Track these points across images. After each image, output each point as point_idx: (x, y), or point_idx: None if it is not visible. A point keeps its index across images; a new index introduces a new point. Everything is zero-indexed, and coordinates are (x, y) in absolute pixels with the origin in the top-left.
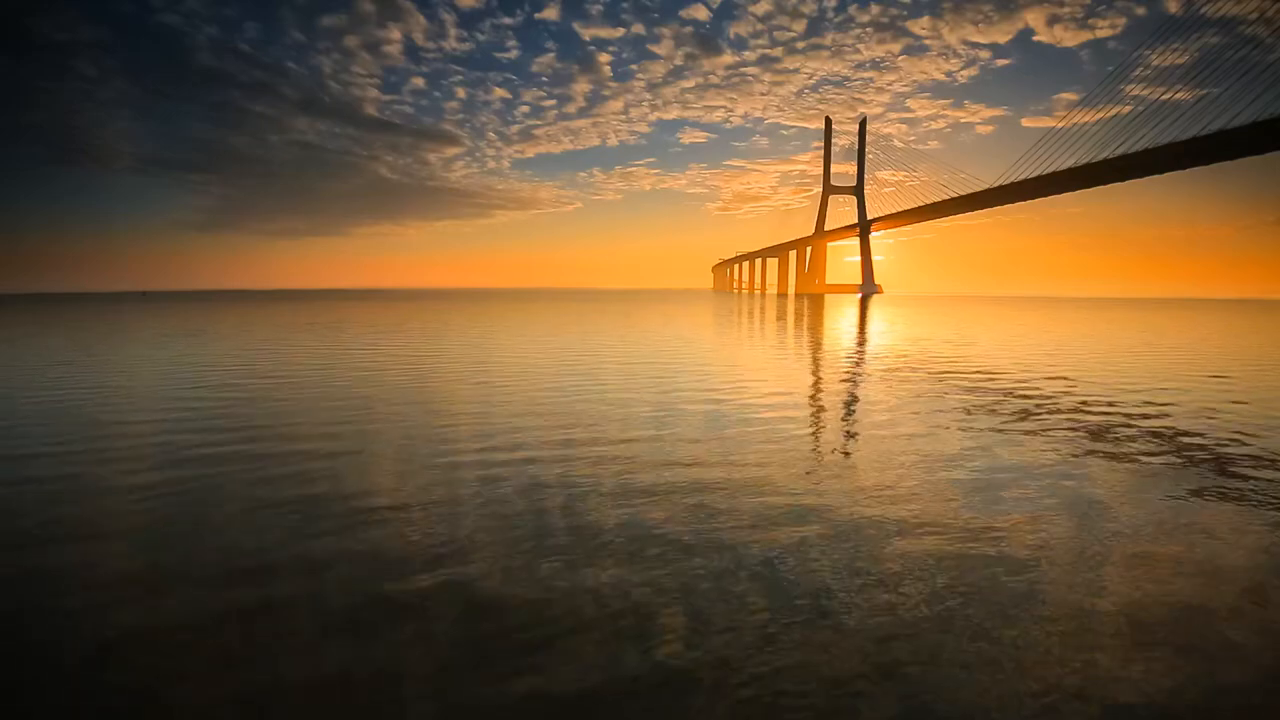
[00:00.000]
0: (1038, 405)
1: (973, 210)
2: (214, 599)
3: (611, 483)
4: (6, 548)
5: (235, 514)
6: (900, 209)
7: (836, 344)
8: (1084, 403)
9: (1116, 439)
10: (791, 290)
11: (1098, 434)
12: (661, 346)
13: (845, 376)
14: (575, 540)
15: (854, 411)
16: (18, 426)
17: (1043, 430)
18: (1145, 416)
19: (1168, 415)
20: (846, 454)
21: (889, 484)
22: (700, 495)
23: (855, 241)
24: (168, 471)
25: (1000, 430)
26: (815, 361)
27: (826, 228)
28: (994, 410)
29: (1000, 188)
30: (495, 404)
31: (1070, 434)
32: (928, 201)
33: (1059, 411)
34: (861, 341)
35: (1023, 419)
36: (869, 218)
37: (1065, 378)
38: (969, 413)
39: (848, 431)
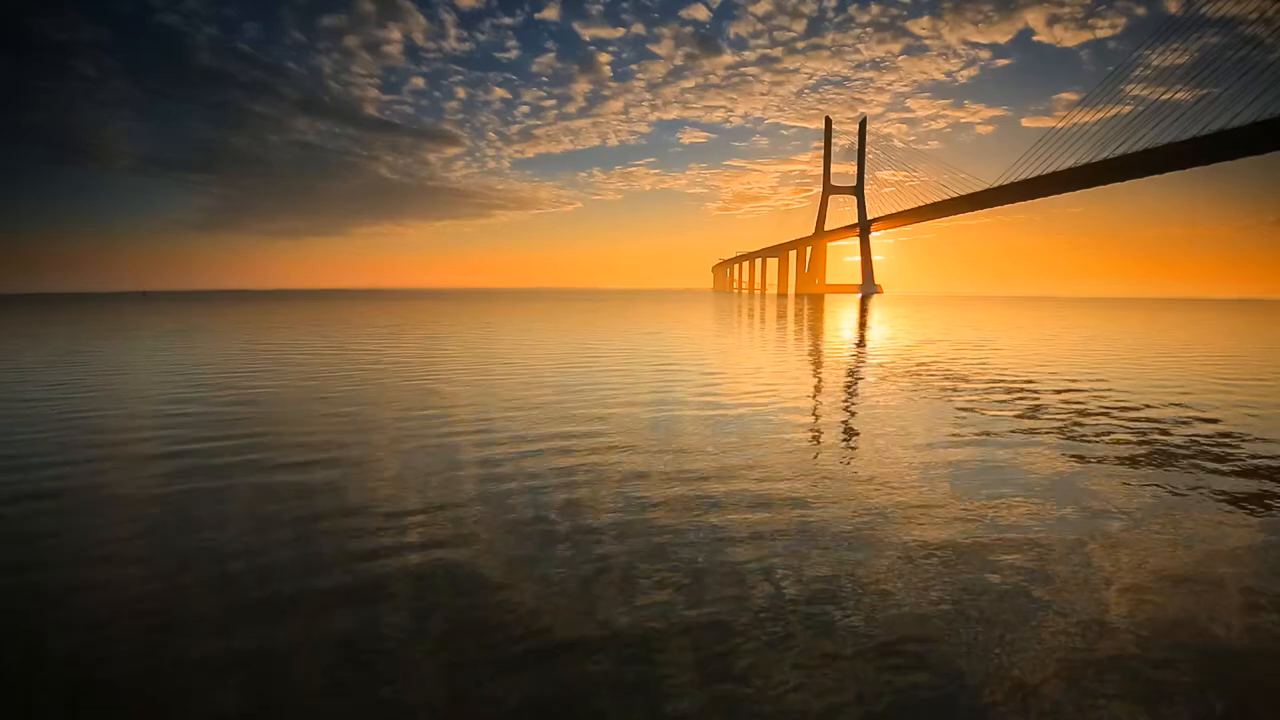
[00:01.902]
0: (1082, 418)
1: (973, 210)
2: (212, 609)
3: (627, 491)
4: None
5: (236, 527)
6: (900, 209)
7: (847, 348)
8: (1133, 414)
9: (1195, 462)
10: (791, 290)
11: (1169, 454)
12: (666, 348)
13: (864, 384)
14: (578, 550)
15: (881, 426)
16: (14, 428)
17: (1101, 454)
18: (1226, 438)
19: (1229, 431)
20: (881, 476)
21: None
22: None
23: (855, 241)
24: (168, 474)
25: (1049, 445)
26: (829, 367)
27: (826, 228)
28: (1037, 423)
29: (1000, 188)
30: (505, 407)
31: (1133, 453)
32: (928, 201)
33: (1113, 427)
34: (874, 346)
35: (1071, 434)
36: (869, 218)
37: (1102, 384)
38: (1010, 427)
39: (879, 449)
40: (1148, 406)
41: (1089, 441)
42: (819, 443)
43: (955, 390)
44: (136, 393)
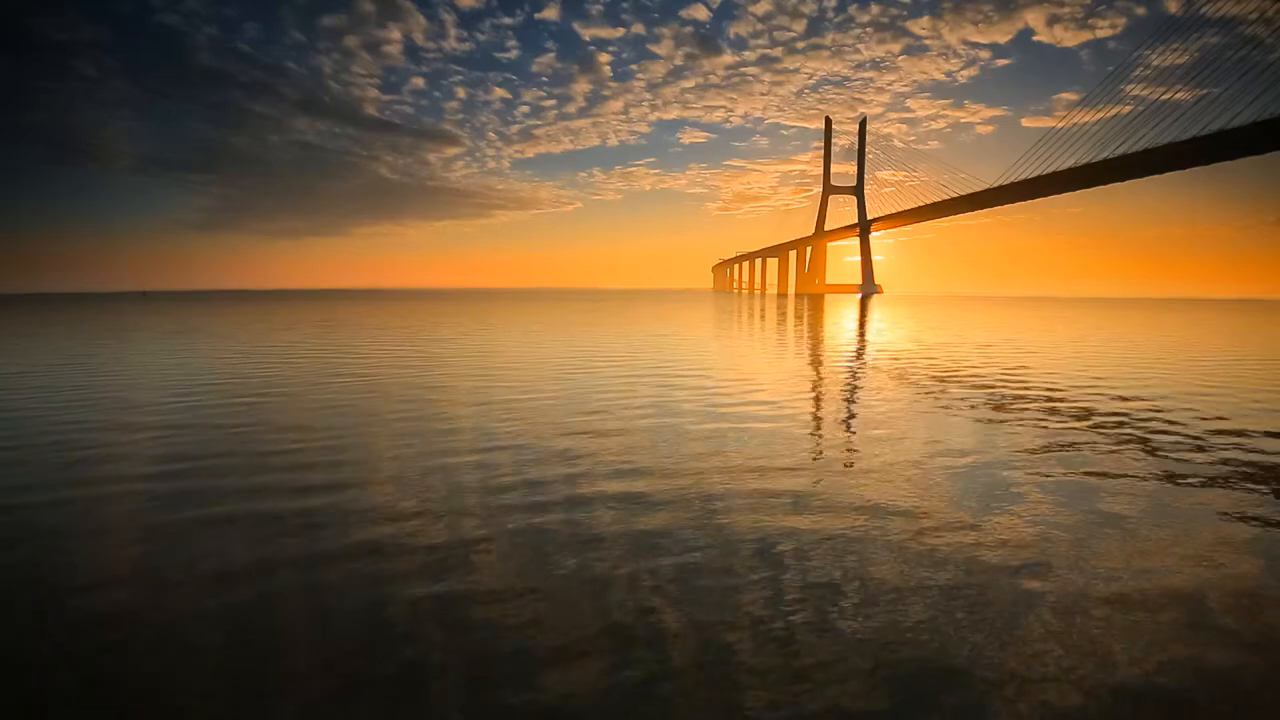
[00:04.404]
0: (1167, 439)
1: (973, 210)
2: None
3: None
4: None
5: (235, 541)
6: (900, 209)
7: (870, 353)
8: (1234, 440)
9: None
10: (791, 290)
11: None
12: (680, 352)
13: (906, 396)
14: (581, 557)
15: (956, 455)
16: (12, 426)
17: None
18: None
19: None
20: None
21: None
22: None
23: (855, 241)
24: (160, 499)
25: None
26: (858, 376)
27: (826, 228)
28: (1124, 451)
29: (1000, 188)
30: (514, 422)
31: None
32: (928, 201)
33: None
34: (898, 350)
35: (1171, 464)
36: (869, 218)
37: (1159, 396)
38: (1093, 461)
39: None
40: (1241, 434)
41: (1206, 484)
42: (893, 470)
43: (1004, 402)
44: (129, 404)
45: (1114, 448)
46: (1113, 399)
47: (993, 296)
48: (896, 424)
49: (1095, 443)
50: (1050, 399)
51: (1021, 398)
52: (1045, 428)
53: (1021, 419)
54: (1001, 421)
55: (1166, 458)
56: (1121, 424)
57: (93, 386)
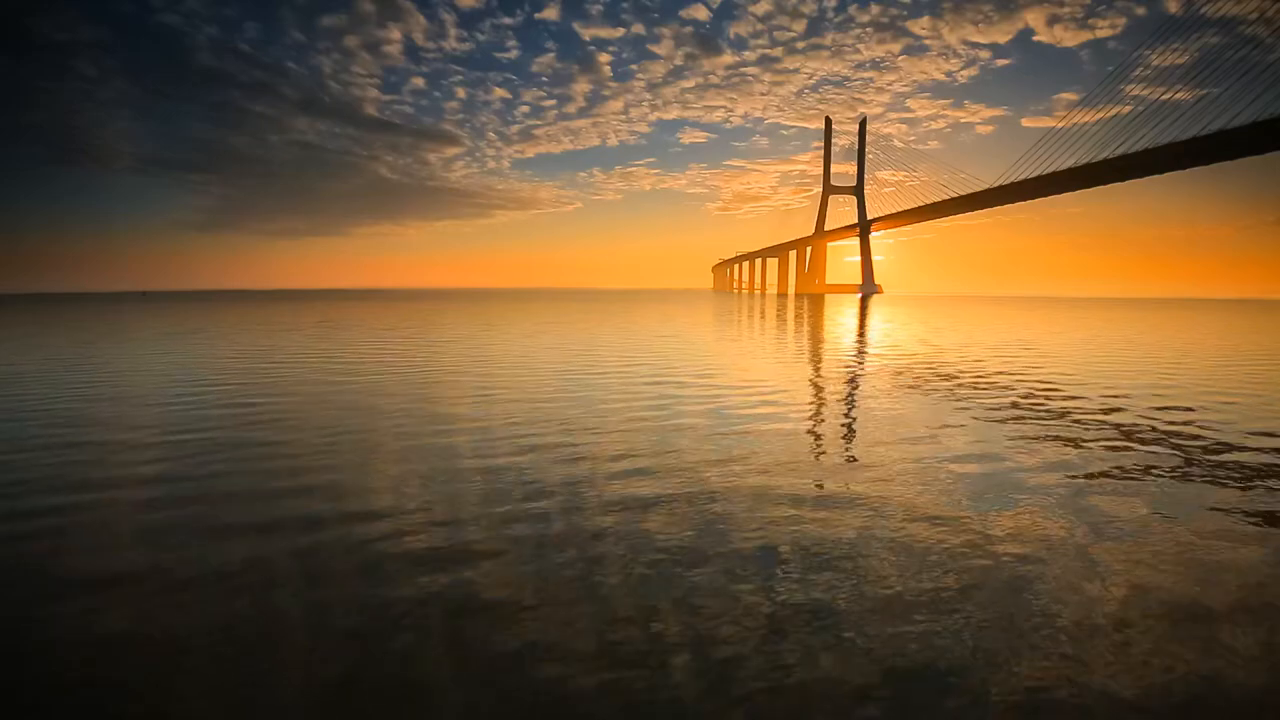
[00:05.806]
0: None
1: (973, 210)
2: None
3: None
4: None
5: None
6: (900, 209)
7: (888, 356)
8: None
9: None
10: (791, 290)
11: None
12: (679, 353)
13: (910, 401)
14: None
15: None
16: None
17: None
18: None
19: None
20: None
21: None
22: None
23: (855, 241)
24: (166, 485)
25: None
26: (882, 380)
27: (826, 228)
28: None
29: (1000, 188)
30: (521, 422)
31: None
32: (928, 201)
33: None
34: (914, 353)
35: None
36: (869, 218)
37: (1196, 405)
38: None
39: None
40: None
41: None
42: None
43: (1036, 415)
44: (129, 409)
45: (1180, 469)
46: (1151, 409)
47: (992, 296)
48: (938, 440)
49: (1163, 468)
50: (1081, 409)
51: (1054, 409)
52: (1100, 447)
53: (1067, 436)
54: (1040, 437)
55: (1238, 484)
56: (1171, 435)
57: (92, 396)
